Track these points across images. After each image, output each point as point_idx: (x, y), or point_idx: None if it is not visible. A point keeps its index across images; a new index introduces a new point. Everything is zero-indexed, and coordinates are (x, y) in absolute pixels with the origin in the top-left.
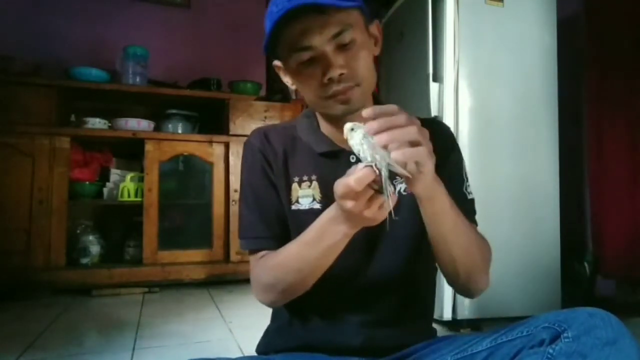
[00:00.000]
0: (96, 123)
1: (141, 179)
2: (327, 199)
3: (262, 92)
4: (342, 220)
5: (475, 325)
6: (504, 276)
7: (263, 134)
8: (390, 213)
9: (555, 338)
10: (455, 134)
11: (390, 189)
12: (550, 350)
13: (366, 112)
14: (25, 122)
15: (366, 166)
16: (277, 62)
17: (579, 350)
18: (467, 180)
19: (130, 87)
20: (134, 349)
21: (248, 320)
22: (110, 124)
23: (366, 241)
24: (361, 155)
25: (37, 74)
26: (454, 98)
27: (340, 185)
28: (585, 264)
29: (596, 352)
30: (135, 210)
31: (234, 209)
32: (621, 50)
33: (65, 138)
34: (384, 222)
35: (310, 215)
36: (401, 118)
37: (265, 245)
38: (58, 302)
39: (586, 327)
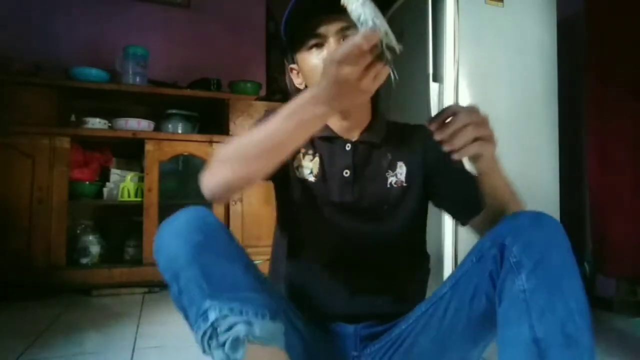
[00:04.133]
0: (96, 123)
1: (141, 179)
2: (322, 178)
3: (262, 92)
4: (324, 99)
5: None
6: None
7: None
8: (390, 74)
9: (502, 248)
10: None
11: (388, 55)
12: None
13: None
14: (25, 122)
15: (369, 30)
16: (292, 65)
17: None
18: None
19: (130, 87)
20: (134, 349)
21: None
22: (110, 124)
23: (352, 219)
24: (362, 19)
25: (37, 74)
26: (454, 98)
27: (343, 48)
28: (585, 264)
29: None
30: (135, 210)
31: (235, 209)
32: (621, 50)
33: (65, 138)
34: (376, 180)
35: (304, 185)
36: (474, 115)
37: None
38: (58, 302)
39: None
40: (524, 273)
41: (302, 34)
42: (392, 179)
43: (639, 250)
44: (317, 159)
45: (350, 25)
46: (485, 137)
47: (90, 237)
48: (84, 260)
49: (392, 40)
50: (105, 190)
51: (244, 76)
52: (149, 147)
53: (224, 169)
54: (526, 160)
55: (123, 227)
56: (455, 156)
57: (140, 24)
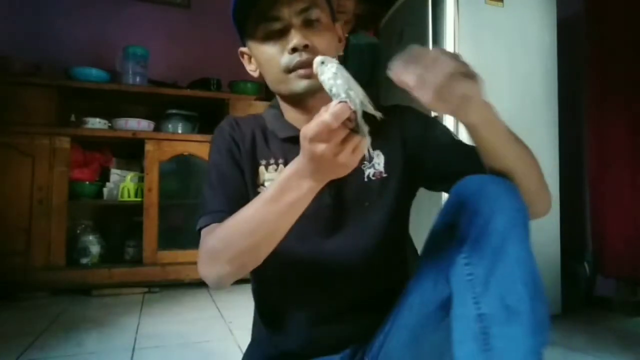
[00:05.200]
0: (96, 123)
1: (141, 179)
2: None
3: (262, 92)
4: (307, 173)
5: None
6: None
7: (234, 120)
8: (363, 158)
9: (451, 228)
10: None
11: (365, 128)
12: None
13: (395, 67)
14: (25, 122)
15: (340, 102)
16: (243, 49)
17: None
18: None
19: (130, 87)
20: (134, 349)
21: (248, 321)
22: (110, 124)
23: (332, 225)
24: (333, 92)
25: (37, 74)
26: None
27: (312, 125)
28: (585, 264)
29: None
30: (135, 210)
31: None
32: (621, 50)
33: (66, 138)
34: (352, 175)
35: None
36: (426, 53)
37: (221, 219)
38: (58, 302)
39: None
40: (466, 246)
41: (256, 16)
42: (369, 171)
43: (639, 251)
44: (281, 166)
45: (310, 6)
46: (469, 74)
47: (90, 237)
48: (84, 260)
49: (370, 110)
50: (105, 190)
51: (244, 76)
52: (149, 147)
53: (217, 266)
54: None
55: (123, 227)
56: (431, 104)
57: (140, 24)
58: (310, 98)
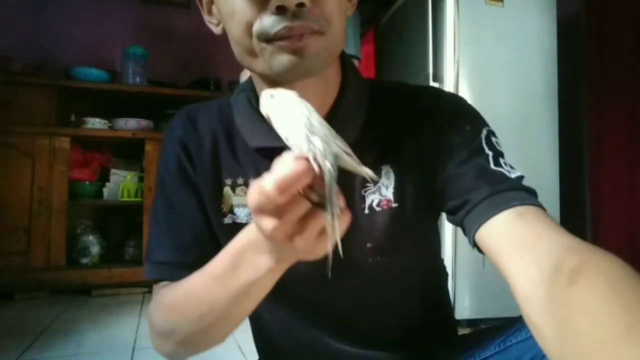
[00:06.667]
0: (96, 123)
1: (141, 179)
2: None
3: None
4: (265, 248)
5: (475, 325)
6: None
7: (187, 116)
8: (335, 247)
9: None
10: None
11: (338, 202)
12: None
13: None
14: (25, 122)
15: (299, 158)
16: None
17: None
18: (499, 155)
19: (130, 87)
20: (134, 349)
21: (248, 321)
22: (110, 124)
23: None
24: (290, 141)
25: (37, 74)
26: None
27: (252, 193)
28: None
29: None
30: (135, 210)
31: None
32: (621, 50)
33: (65, 138)
34: (348, 203)
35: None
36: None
37: (169, 275)
38: (58, 302)
39: None
40: None
41: None
42: (373, 199)
43: (638, 250)
44: None
45: None
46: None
47: (90, 237)
48: (84, 260)
49: (351, 166)
50: (105, 190)
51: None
52: (149, 147)
53: (168, 347)
54: (526, 159)
55: (123, 227)
56: None
57: (140, 24)
58: (297, 84)
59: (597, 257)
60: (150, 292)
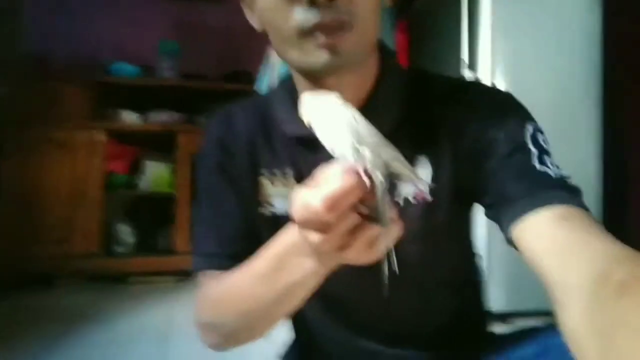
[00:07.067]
0: (130, 116)
1: (173, 171)
2: None
3: None
4: (308, 252)
5: (505, 319)
6: None
7: (225, 117)
8: (388, 255)
9: None
10: None
11: (389, 212)
12: None
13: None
14: (64, 117)
15: (348, 171)
16: None
17: None
18: (544, 153)
19: (163, 81)
20: (167, 336)
21: None
22: (143, 117)
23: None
24: (336, 151)
25: (75, 71)
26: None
27: (297, 205)
28: None
29: None
30: (167, 200)
31: None
32: None
33: (101, 131)
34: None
35: (278, 225)
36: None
37: (216, 264)
38: (94, 289)
39: None
40: None
41: None
42: (408, 191)
43: None
44: (292, 178)
45: None
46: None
47: (125, 227)
48: (119, 249)
49: (406, 173)
50: (139, 181)
51: None
52: (181, 139)
53: (215, 339)
54: (566, 152)
55: (156, 217)
56: None
57: (173, 19)
58: (332, 77)
59: None
60: (182, 280)
